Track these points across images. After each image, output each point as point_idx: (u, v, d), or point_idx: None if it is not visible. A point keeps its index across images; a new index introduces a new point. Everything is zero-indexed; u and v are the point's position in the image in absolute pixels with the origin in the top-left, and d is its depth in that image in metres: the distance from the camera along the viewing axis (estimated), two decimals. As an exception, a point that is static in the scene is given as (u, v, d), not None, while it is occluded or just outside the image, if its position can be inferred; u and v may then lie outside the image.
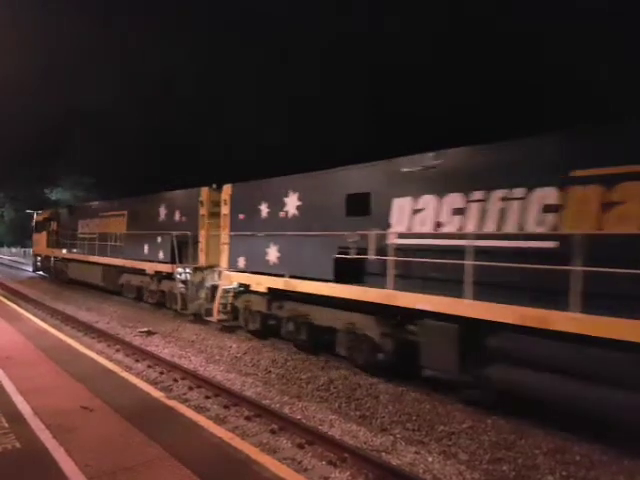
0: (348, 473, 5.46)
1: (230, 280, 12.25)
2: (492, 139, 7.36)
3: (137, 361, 10.21)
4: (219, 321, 12.67)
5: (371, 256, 8.46)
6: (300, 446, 6.11)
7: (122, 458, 4.74)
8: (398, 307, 7.88)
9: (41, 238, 27.91)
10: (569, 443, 6.05)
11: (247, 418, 7.03)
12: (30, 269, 31.82)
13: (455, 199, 7.57)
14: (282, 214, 10.90)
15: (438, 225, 7.81)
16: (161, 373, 9.32)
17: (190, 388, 8.38)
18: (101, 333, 12.72)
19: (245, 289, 11.88)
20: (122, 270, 18.16)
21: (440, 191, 7.76)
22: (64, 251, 24.17)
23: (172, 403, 6.43)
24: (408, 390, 8.03)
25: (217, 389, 8.13)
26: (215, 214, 13.61)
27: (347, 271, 8.88)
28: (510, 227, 6.83)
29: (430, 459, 5.85)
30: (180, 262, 14.42)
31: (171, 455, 4.80)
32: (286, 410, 7.35)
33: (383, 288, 8.14)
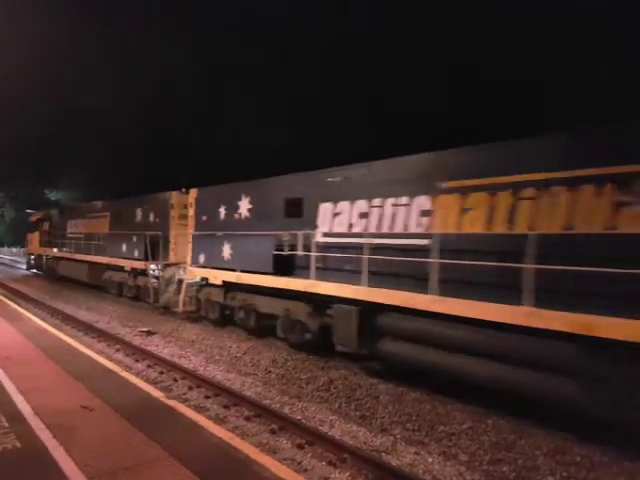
0: (348, 473, 5.46)
1: (193, 275, 13.65)
2: (494, 139, 7.48)
3: (137, 361, 10.21)
4: (185, 312, 14.12)
5: (299, 252, 10.26)
6: (300, 446, 6.10)
7: (122, 458, 4.73)
8: (319, 294, 9.47)
9: (34, 238, 29.37)
10: (569, 444, 6.05)
11: (247, 418, 7.03)
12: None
13: (361, 205, 9.28)
14: (236, 216, 12.49)
15: (350, 226, 9.49)
16: (161, 373, 9.32)
17: (190, 388, 8.38)
18: (101, 333, 12.71)
19: (206, 283, 13.22)
20: (105, 267, 19.53)
21: (352, 198, 9.44)
22: (55, 250, 25.57)
23: (172, 403, 6.43)
24: (408, 390, 8.03)
25: (217, 389, 8.13)
26: (184, 216, 15.18)
27: (284, 265, 10.62)
28: (398, 227, 8.52)
29: (430, 460, 5.85)
30: (153, 259, 15.87)
31: (171, 455, 4.80)
32: (286, 410, 7.34)
33: (307, 279, 9.76)
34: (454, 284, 7.23)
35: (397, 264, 8.17)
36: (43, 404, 6.08)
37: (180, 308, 14.03)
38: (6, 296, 18.40)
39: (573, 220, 6.30)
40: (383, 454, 5.97)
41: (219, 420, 6.82)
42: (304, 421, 6.91)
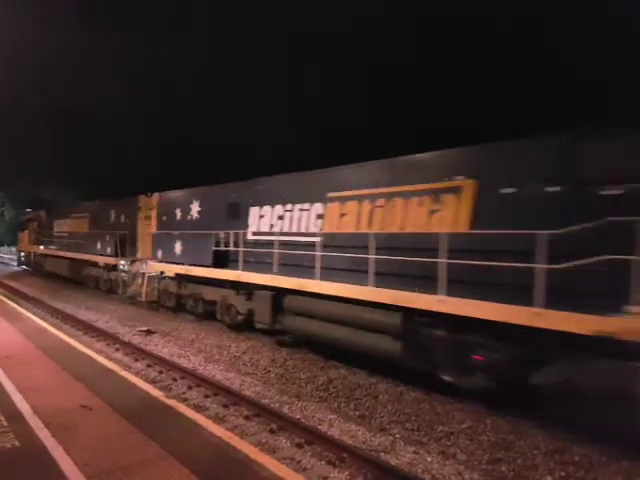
0: (347, 473, 5.47)
1: (154, 269, 15.62)
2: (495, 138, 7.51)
3: (136, 360, 10.21)
4: (147, 301, 16.18)
5: (231, 248, 12.28)
6: (299, 446, 6.11)
7: (121, 457, 4.74)
8: (245, 282, 11.60)
9: (24, 236, 32.01)
10: (568, 443, 6.06)
11: (246, 417, 7.04)
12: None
13: (279, 209, 11.37)
14: (189, 217, 14.63)
15: (271, 226, 11.51)
16: (160, 372, 9.32)
17: (189, 387, 8.39)
18: (100, 332, 12.72)
19: (163, 275, 15.33)
20: (84, 263, 21.71)
21: (272, 203, 11.51)
22: (42, 247, 27.92)
23: (171, 402, 6.43)
24: (407, 390, 8.04)
25: (216, 388, 8.14)
26: (149, 217, 17.12)
27: (221, 259, 12.60)
28: (302, 228, 10.63)
29: (429, 459, 5.86)
30: (122, 256, 17.93)
31: (170, 454, 4.80)
32: (285, 410, 7.35)
33: (237, 270, 11.81)
34: (332, 271, 9.36)
35: (298, 257, 10.16)
36: (42, 403, 6.09)
37: (143, 298, 16.15)
38: (6, 295, 18.40)
39: (405, 222, 8.44)
40: (382, 453, 5.98)
41: (218, 419, 6.83)
42: (303, 420, 6.92)
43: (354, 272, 8.88)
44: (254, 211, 12.08)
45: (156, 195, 16.68)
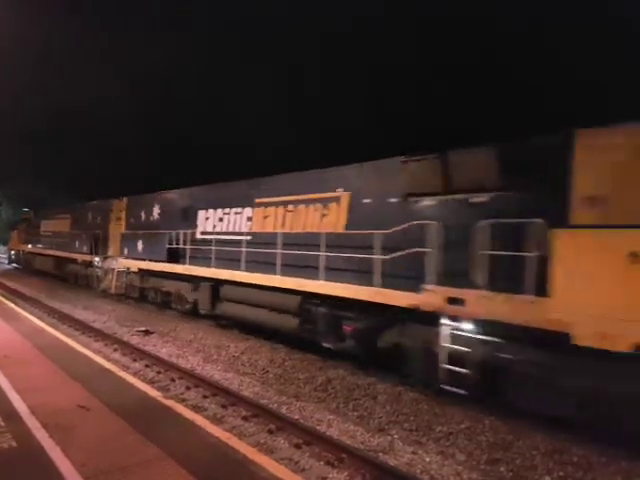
0: (346, 473, 5.46)
1: (121, 264, 17.60)
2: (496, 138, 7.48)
3: (134, 360, 10.19)
4: (116, 293, 18.27)
5: (181, 245, 14.20)
6: (298, 446, 6.10)
7: (119, 458, 4.72)
8: (192, 275, 13.50)
9: (15, 236, 34.45)
10: (567, 444, 6.05)
11: (244, 418, 7.02)
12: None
13: (219, 212, 13.32)
14: (151, 218, 16.67)
15: (214, 227, 13.49)
16: (158, 372, 9.30)
17: (187, 388, 8.37)
18: (98, 332, 12.69)
19: (129, 270, 17.18)
20: (66, 261, 23.65)
21: (215, 207, 13.45)
22: (30, 246, 30.20)
23: (169, 403, 6.42)
24: (406, 390, 8.03)
25: (215, 389, 8.12)
26: (120, 218, 18.98)
27: (174, 255, 14.59)
28: (237, 228, 12.57)
29: (428, 459, 5.85)
30: (96, 253, 19.93)
31: (168, 455, 4.78)
32: (284, 410, 7.33)
33: (185, 265, 13.82)
34: (255, 264, 11.36)
35: (231, 252, 12.13)
36: (40, 403, 6.07)
37: (113, 291, 18.25)
38: (3, 295, 18.37)
39: (306, 224, 10.48)
40: (381, 454, 5.97)
41: (216, 420, 6.81)
42: (302, 421, 6.90)
43: (270, 265, 10.79)
44: (201, 214, 14.11)
45: (125, 199, 18.80)
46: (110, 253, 19.09)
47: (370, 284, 8.42)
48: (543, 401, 6.25)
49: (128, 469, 4.50)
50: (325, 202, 10.11)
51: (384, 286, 8.21)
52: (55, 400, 6.24)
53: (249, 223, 12.21)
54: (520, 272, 6.43)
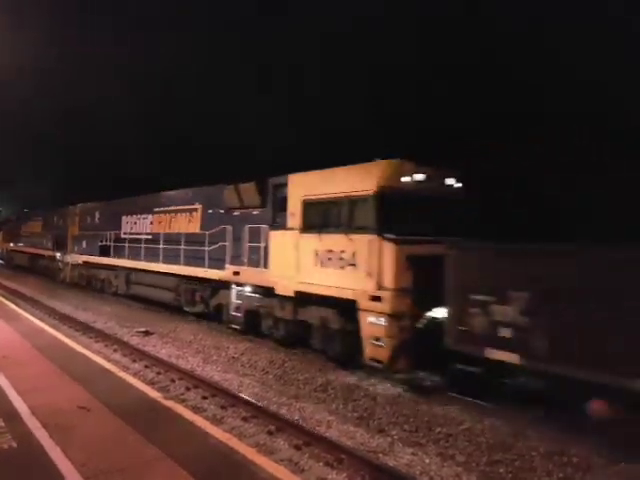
0: (345, 474, 5.46)
1: (75, 259, 22.26)
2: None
3: (134, 361, 10.20)
4: (71, 282, 22.82)
5: (108, 243, 18.78)
6: (297, 447, 6.10)
7: (119, 458, 4.73)
8: (115, 265, 18.30)
9: (0, 236, 39.54)
10: (566, 445, 6.04)
11: (244, 419, 7.02)
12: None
13: (135, 217, 17.67)
14: (95, 222, 21.02)
15: (131, 228, 17.81)
16: (158, 373, 9.31)
17: (187, 388, 8.37)
18: (99, 333, 12.71)
19: (78, 263, 21.98)
20: (37, 256, 28.36)
21: (131, 213, 17.83)
22: (12, 244, 35.15)
23: (169, 403, 6.43)
24: (405, 391, 8.03)
25: (214, 389, 8.12)
26: (75, 221, 23.22)
27: (105, 250, 19.03)
28: (142, 229, 16.86)
29: (427, 461, 5.85)
30: (58, 250, 24.38)
31: (168, 455, 4.79)
32: (283, 411, 7.34)
33: (110, 257, 18.65)
34: (151, 256, 15.68)
35: (139, 248, 16.56)
36: (40, 404, 6.08)
37: (68, 280, 23.08)
38: (3, 295, 18.39)
39: (179, 227, 14.73)
40: (380, 455, 5.97)
41: (216, 421, 6.81)
42: (301, 422, 6.90)
43: (157, 256, 15.25)
44: (124, 219, 18.45)
45: (80, 205, 23.04)
46: (69, 250, 23.41)
47: (194, 265, 13.54)
48: (271, 327, 11.30)
49: (128, 469, 4.51)
50: (190, 211, 14.51)
51: (209, 267, 12.92)
52: (55, 401, 6.25)
53: (150, 225, 16.61)
54: (258, 255, 11.27)
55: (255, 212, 11.71)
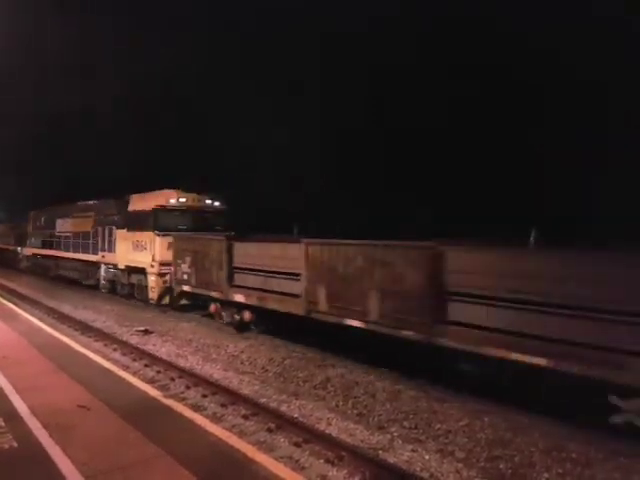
0: (345, 471, 5.48)
1: (29, 252, 28.96)
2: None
3: (134, 360, 10.20)
4: (26, 270, 29.58)
5: (47, 239, 25.57)
6: (297, 444, 6.11)
7: (119, 457, 4.74)
8: (51, 256, 24.87)
9: None
10: (565, 441, 6.07)
11: (244, 417, 7.03)
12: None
13: (63, 219, 23.66)
14: (42, 224, 26.64)
15: (61, 227, 23.79)
16: (158, 372, 9.31)
17: (187, 387, 8.38)
18: (98, 332, 12.69)
19: (30, 254, 28.86)
20: (4, 250, 35.83)
21: (60, 217, 24.07)
22: None
23: (169, 402, 6.43)
24: (405, 388, 8.05)
25: (214, 388, 8.13)
26: (29, 223, 29.28)
27: (48, 245, 25.25)
28: (66, 228, 23.14)
29: (427, 457, 5.87)
30: (19, 245, 31.30)
31: (168, 454, 4.80)
32: (283, 408, 7.35)
33: (48, 250, 25.32)
34: (71, 247, 21.95)
35: (63, 242, 22.74)
36: (40, 403, 6.08)
37: (23, 268, 30.29)
38: (2, 295, 18.36)
39: (82, 227, 21.02)
40: (380, 452, 5.99)
41: (216, 419, 6.83)
42: (301, 419, 6.92)
43: (71, 247, 21.81)
44: (58, 221, 24.33)
45: (32, 211, 29.01)
46: (24, 245, 30.08)
47: (87, 253, 20.08)
48: (120, 289, 17.90)
49: (128, 468, 4.52)
50: (88, 217, 20.61)
51: (92, 254, 19.61)
52: (55, 400, 6.26)
53: (69, 226, 22.70)
54: (112, 244, 17.82)
55: (115, 218, 18.14)
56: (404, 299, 7.79)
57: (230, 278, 12.08)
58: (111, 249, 18.06)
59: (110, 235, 18.17)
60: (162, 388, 8.04)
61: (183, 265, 13.92)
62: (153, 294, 15.38)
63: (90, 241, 19.82)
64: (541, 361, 6.14)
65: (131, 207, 16.95)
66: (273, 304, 10.69)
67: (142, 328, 13.03)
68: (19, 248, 31.26)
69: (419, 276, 7.59)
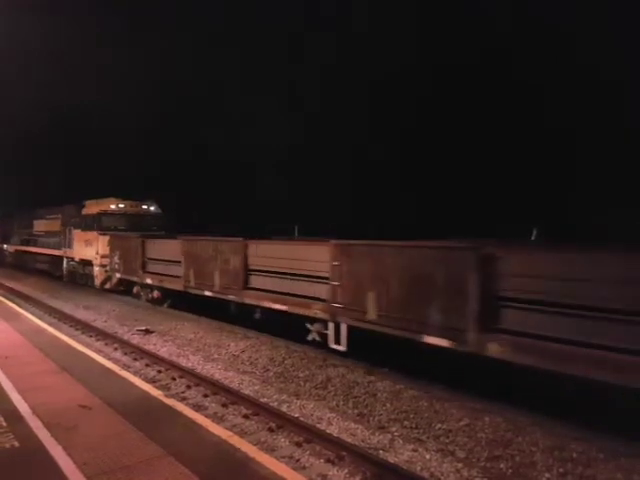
0: (346, 471, 5.48)
1: (11, 248, 34.10)
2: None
3: (135, 359, 10.21)
4: (10, 263, 34.50)
5: (26, 237, 30.23)
6: (298, 444, 6.12)
7: (120, 457, 4.75)
8: (24, 251, 30.99)
9: None
10: (567, 440, 6.06)
11: (245, 416, 7.04)
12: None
13: (38, 221, 28.21)
14: (22, 224, 31.16)
15: (37, 227, 28.47)
16: (159, 372, 9.32)
17: (188, 387, 8.39)
18: (99, 332, 12.71)
19: (13, 250, 34.11)
20: None
21: (38, 218, 28.27)
22: None
23: (170, 402, 6.44)
24: (406, 388, 8.04)
25: (215, 387, 8.14)
26: (13, 223, 33.79)
27: (26, 242, 30.23)
28: (40, 228, 27.93)
29: (428, 457, 5.87)
30: (5, 242, 35.85)
31: (169, 454, 4.81)
32: (284, 408, 7.36)
33: (26, 246, 30.46)
34: (43, 244, 26.90)
35: (43, 241, 26.91)
36: (41, 403, 6.10)
37: (8, 261, 35.22)
38: (3, 295, 18.38)
39: (52, 227, 25.54)
40: (381, 451, 5.99)
41: (217, 418, 6.84)
42: (302, 419, 6.92)
43: (42, 244, 26.63)
44: (35, 222, 28.20)
45: (16, 213, 33.54)
46: (9, 242, 34.74)
47: (55, 249, 24.31)
48: (78, 278, 22.36)
49: (130, 468, 4.53)
50: (56, 219, 24.52)
51: (59, 249, 23.73)
52: (56, 400, 6.27)
53: (42, 226, 26.79)
54: (71, 242, 22.42)
55: (74, 220, 22.12)
56: (229, 275, 12.15)
57: (143, 266, 16.48)
58: (70, 246, 22.48)
59: (70, 234, 22.43)
60: (163, 388, 8.06)
61: (115, 257, 18.44)
62: (97, 281, 20.10)
63: (57, 239, 24.27)
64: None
65: (84, 211, 21.37)
66: (168, 284, 15.20)
67: (143, 328, 13.04)
68: (5, 246, 36.19)
69: (236, 261, 11.89)
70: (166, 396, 6.74)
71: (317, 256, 9.66)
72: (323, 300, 9.46)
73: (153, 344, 11.55)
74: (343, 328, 9.03)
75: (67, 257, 23.27)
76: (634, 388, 5.32)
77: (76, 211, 21.94)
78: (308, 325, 10.08)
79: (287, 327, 10.70)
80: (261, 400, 7.60)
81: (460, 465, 5.66)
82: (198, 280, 13.43)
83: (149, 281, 16.24)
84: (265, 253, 11.27)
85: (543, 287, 6.31)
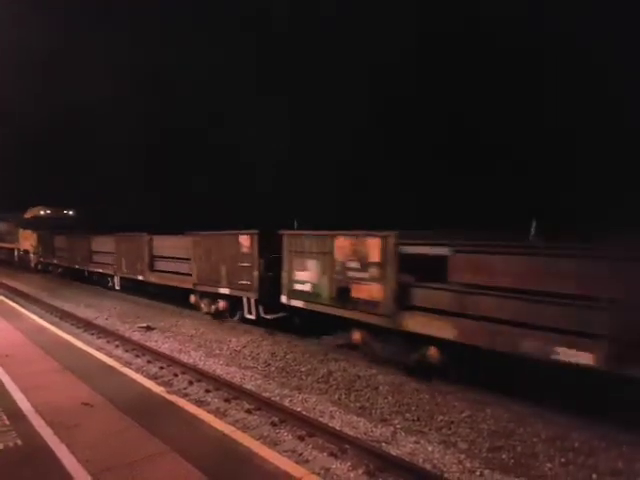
0: (349, 464, 5.51)
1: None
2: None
3: (137, 356, 10.23)
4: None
5: (11, 235, 34.61)
6: (301, 438, 6.15)
7: (123, 453, 4.76)
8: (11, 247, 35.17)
9: None
10: (567, 430, 6.10)
11: (247, 411, 7.06)
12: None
13: (1, 223, 36.26)
14: (5, 230, 35.34)
15: (1, 228, 36.67)
16: (161, 368, 9.34)
17: (190, 382, 8.41)
18: (100, 329, 12.72)
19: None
20: None
21: (1, 220, 36.39)
22: None
23: (172, 398, 6.45)
24: (407, 381, 8.07)
25: (217, 383, 8.16)
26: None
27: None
28: (6, 229, 36.08)
29: (430, 448, 5.89)
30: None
31: (172, 449, 4.82)
32: (286, 402, 7.38)
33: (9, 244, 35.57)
34: (7, 241, 34.74)
35: (6, 237, 34.71)
36: (44, 401, 6.10)
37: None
38: (4, 294, 18.38)
39: (8, 228, 34.44)
40: (383, 444, 6.02)
41: (220, 414, 6.86)
42: (304, 413, 6.94)
43: (6, 240, 34.08)
44: (0, 223, 34.81)
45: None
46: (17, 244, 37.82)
47: (11, 243, 32.79)
48: (23, 263, 30.86)
49: (133, 464, 4.54)
50: (12, 221, 31.82)
51: (13, 243, 32.37)
52: (59, 398, 6.28)
53: (5, 227, 33.38)
54: (18, 238, 31.66)
55: (21, 222, 29.62)
56: (140, 262, 16.48)
57: (46, 251, 26.08)
58: (18, 240, 31.11)
59: (17, 232, 31.13)
60: (165, 384, 8.08)
61: (36, 246, 27.63)
62: (32, 263, 28.73)
63: (12, 236, 32.45)
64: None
65: (25, 216, 30.26)
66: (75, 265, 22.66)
67: (144, 324, 13.06)
68: None
69: (142, 250, 16.20)
70: (168, 392, 6.75)
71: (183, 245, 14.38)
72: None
73: (155, 341, 11.56)
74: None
75: (17, 248, 32.42)
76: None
77: (22, 216, 30.92)
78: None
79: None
80: (263, 395, 7.62)
81: (462, 456, 5.69)
82: (128, 269, 17.66)
83: (55, 262, 25.38)
84: (163, 244, 15.89)
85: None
